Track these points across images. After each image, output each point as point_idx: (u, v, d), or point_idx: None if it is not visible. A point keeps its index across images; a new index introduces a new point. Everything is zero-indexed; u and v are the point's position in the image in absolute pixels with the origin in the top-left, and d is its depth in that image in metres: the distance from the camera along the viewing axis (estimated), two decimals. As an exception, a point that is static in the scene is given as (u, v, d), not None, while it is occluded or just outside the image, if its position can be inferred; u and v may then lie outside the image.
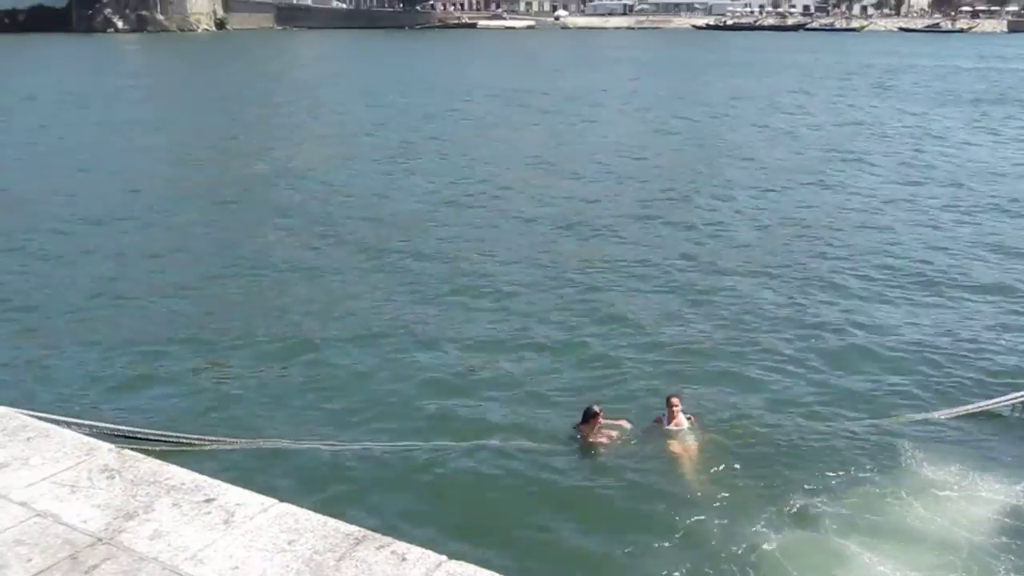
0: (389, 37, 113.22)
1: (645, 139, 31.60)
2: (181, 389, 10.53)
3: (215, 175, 25.23)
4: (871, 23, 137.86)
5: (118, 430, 5.64)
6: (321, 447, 8.70)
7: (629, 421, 9.72)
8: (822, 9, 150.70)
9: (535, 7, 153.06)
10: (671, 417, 9.54)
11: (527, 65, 68.94)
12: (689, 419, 9.63)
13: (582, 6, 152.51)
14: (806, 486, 8.39)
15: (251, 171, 25.82)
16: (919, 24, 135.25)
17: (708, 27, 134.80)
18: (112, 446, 3.94)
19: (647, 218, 19.51)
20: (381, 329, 12.58)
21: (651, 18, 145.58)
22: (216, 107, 43.02)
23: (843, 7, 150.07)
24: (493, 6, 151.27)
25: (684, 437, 9.47)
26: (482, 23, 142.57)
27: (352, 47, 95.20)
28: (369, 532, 3.35)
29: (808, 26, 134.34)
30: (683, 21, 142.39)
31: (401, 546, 3.26)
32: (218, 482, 3.70)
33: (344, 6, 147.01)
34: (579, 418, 9.37)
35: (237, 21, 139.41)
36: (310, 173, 25.26)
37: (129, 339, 12.16)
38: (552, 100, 43.96)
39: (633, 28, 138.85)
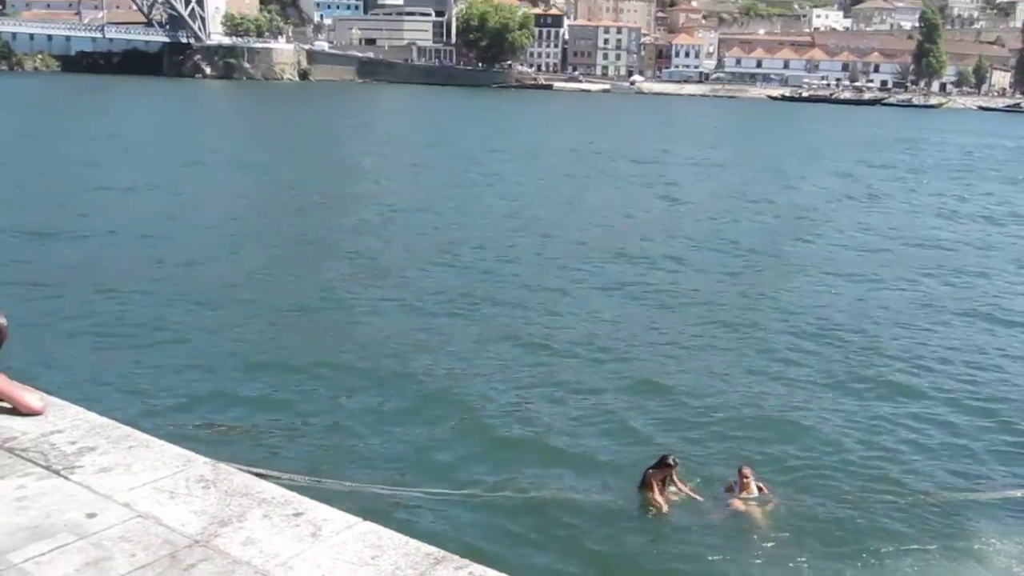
0: (466, 94, 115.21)
1: (717, 203, 31.63)
2: (266, 418, 10.83)
3: (295, 213, 25.91)
4: (950, 100, 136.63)
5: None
6: (384, 490, 8.83)
7: (697, 486, 9.65)
8: (900, 85, 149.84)
9: (611, 71, 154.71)
10: (743, 487, 9.43)
11: (600, 127, 69.55)
12: (760, 489, 9.50)
13: (658, 72, 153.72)
14: (880, 562, 8.23)
15: (332, 213, 26.42)
16: (999, 103, 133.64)
17: (783, 98, 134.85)
18: (207, 459, 4.14)
19: (715, 280, 19.51)
20: (462, 376, 12.76)
21: (726, 87, 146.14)
22: (295, 150, 44.18)
23: (922, 84, 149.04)
24: (570, 69, 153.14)
25: (756, 506, 9.32)
26: (558, 85, 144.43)
27: (430, 102, 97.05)
28: (448, 554, 3.49)
29: (885, 101, 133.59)
30: (758, 91, 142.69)
31: (478, 568, 3.38)
32: (306, 499, 3.86)
33: (423, 62, 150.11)
34: (643, 475, 9.34)
35: (320, 73, 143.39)
36: (394, 217, 25.78)
37: (223, 366, 12.68)
38: (624, 162, 44.28)
39: (708, 96, 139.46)
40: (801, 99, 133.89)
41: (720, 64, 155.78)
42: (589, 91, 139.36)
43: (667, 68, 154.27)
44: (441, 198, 30.26)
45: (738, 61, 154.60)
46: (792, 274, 21.01)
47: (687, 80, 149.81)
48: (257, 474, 4.11)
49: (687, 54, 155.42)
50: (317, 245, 22.12)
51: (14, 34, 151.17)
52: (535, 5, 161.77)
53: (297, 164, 38.42)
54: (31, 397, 4.58)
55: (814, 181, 38.42)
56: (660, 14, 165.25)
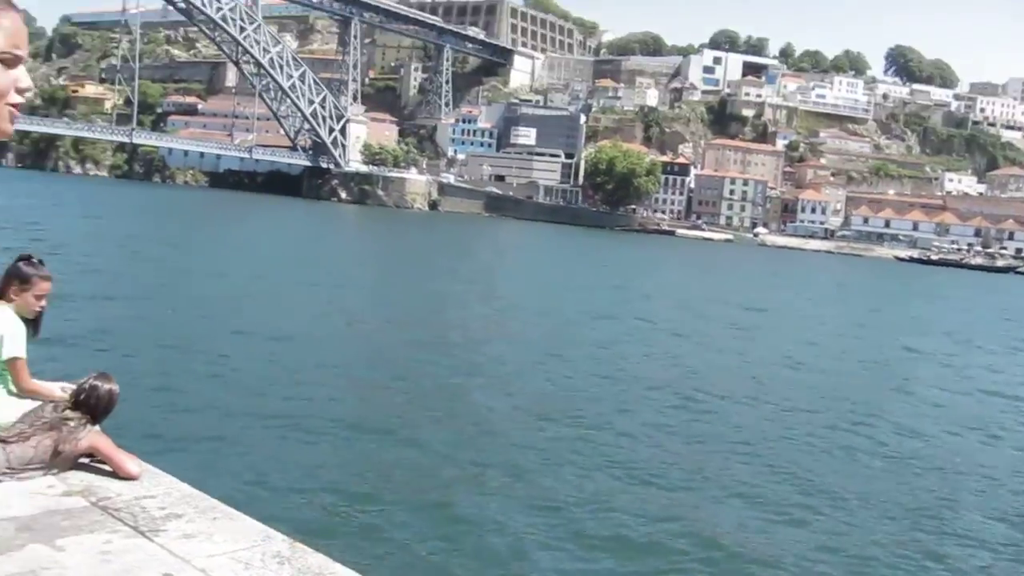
0: (589, 235, 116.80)
1: (834, 361, 30.83)
2: (358, 513, 10.98)
3: (410, 329, 26.44)
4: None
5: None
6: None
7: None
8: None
9: (735, 222, 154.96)
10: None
11: (721, 276, 69.30)
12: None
13: (783, 226, 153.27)
14: None
15: (447, 335, 26.82)
16: None
17: (911, 260, 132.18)
18: (286, 537, 4.20)
19: (817, 436, 18.84)
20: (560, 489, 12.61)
21: (852, 245, 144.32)
22: (420, 275, 45.31)
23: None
24: (694, 216, 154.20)
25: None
26: (681, 231, 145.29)
27: (553, 240, 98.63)
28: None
29: (1019, 269, 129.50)
30: (885, 251, 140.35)
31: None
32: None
33: (549, 201, 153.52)
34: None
35: (449, 204, 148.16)
36: (511, 343, 26.03)
37: (325, 462, 13.07)
38: (743, 311, 43.82)
39: (833, 252, 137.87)
40: (930, 262, 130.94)
41: (847, 222, 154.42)
42: (712, 239, 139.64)
43: (792, 222, 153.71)
44: (561, 333, 30.38)
45: (865, 220, 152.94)
46: (894, 434, 20.15)
47: (812, 235, 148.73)
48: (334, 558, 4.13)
49: (813, 210, 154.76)
50: (429, 350, 22.54)
51: (170, 150, 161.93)
52: (663, 153, 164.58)
53: (421, 288, 39.35)
54: (130, 462, 4.78)
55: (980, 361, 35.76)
56: (788, 169, 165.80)
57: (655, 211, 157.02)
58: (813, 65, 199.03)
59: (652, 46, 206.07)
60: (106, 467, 4.84)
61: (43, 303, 5.29)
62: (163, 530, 4.14)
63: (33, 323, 5.30)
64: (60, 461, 4.69)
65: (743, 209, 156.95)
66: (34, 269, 5.27)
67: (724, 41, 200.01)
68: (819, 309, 50.18)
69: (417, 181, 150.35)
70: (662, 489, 13.90)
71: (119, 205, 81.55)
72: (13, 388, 5.17)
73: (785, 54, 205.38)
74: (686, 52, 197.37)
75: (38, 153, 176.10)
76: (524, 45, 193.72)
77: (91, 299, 25.55)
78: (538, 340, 27.78)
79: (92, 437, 4.79)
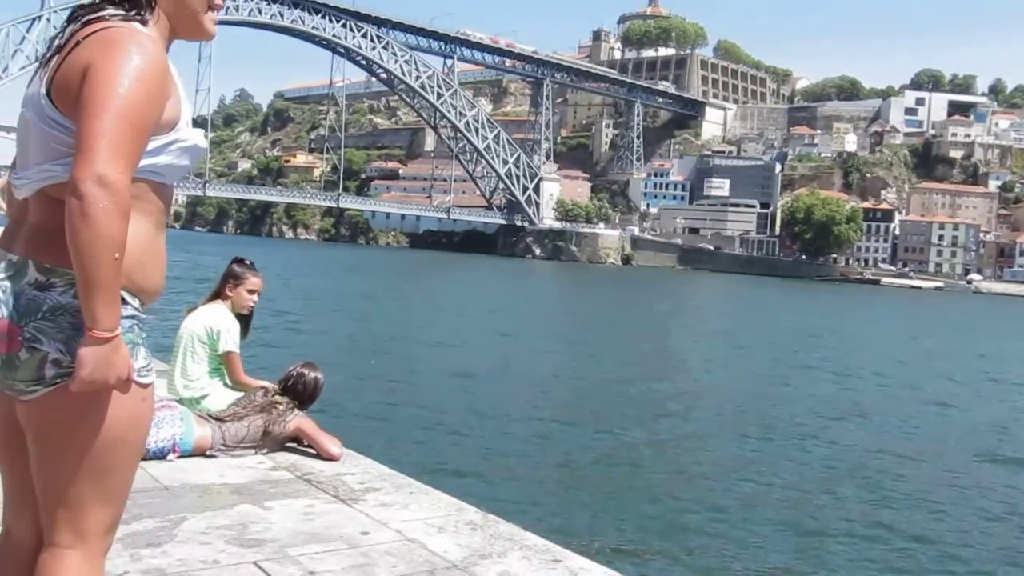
0: (788, 286, 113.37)
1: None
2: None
3: (601, 381, 26.42)
4: None
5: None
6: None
7: None
8: None
9: (945, 268, 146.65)
10: None
11: (934, 326, 65.56)
12: None
13: (999, 272, 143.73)
14: None
15: (641, 384, 26.64)
16: None
17: None
18: (478, 509, 4.27)
19: None
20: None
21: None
22: (614, 328, 45.26)
23: None
24: (900, 264, 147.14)
25: None
26: (886, 280, 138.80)
27: (751, 292, 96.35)
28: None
29: None
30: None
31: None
32: (567, 550, 3.87)
33: (745, 252, 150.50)
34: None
35: (642, 258, 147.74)
36: (707, 393, 25.61)
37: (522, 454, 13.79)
38: (961, 365, 41.23)
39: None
40: None
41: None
42: (920, 288, 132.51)
43: (1009, 267, 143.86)
44: (763, 384, 29.55)
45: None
46: None
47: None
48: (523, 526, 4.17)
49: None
50: (621, 377, 22.42)
51: (373, 213, 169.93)
52: (864, 199, 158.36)
53: (615, 341, 39.31)
54: (333, 445, 5.01)
55: None
56: (1003, 211, 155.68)
57: (857, 260, 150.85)
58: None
59: (849, 90, 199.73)
60: (311, 450, 5.08)
61: (255, 298, 5.65)
62: (362, 500, 4.30)
63: (245, 322, 5.66)
64: (269, 441, 4.97)
65: (953, 255, 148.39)
66: (246, 268, 5.65)
67: (927, 81, 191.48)
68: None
69: (610, 236, 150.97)
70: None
71: (327, 264, 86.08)
72: (228, 381, 5.52)
73: (995, 91, 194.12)
74: (885, 95, 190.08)
75: (254, 220, 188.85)
76: (715, 96, 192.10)
77: (299, 333, 27.25)
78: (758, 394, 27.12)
79: (299, 420, 5.05)
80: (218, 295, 5.58)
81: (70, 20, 2.05)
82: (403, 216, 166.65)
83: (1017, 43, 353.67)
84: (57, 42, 2.04)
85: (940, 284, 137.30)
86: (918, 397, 27.90)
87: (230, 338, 5.41)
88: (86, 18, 2.01)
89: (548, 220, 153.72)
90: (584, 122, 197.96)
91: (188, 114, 2.09)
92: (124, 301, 1.93)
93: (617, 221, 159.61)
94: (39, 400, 1.93)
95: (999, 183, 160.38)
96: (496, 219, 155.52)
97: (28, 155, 2.04)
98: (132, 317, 1.96)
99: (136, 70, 1.90)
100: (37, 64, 2.10)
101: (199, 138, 2.11)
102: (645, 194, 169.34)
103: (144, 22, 2.01)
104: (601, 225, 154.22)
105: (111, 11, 2.00)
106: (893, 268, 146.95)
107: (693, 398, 23.39)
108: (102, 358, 1.85)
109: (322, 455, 4.94)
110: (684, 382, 26.59)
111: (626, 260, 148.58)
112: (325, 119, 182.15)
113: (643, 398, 23.01)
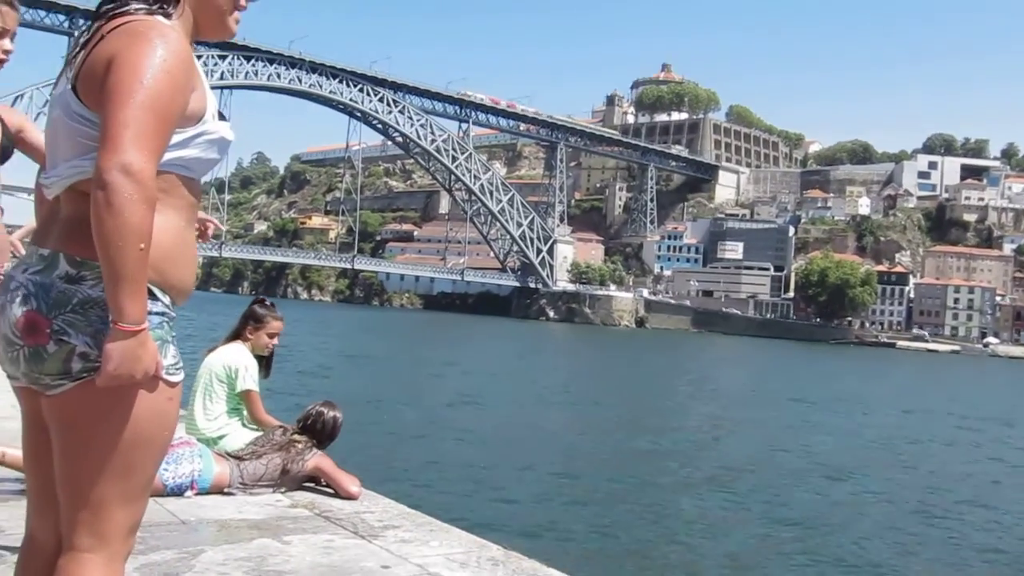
0: (803, 349, 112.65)
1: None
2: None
3: (618, 443, 26.22)
4: None
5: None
6: None
7: None
8: None
9: (960, 332, 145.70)
10: None
11: (953, 389, 64.93)
12: None
13: (1016, 335, 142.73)
14: None
15: (652, 449, 26.43)
16: None
17: None
18: (500, 546, 4.21)
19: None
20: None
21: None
22: (627, 391, 45.01)
23: None
24: (915, 327, 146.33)
25: None
26: (901, 343, 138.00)
27: (765, 356, 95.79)
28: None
29: None
30: None
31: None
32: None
33: (759, 315, 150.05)
34: None
35: (656, 321, 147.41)
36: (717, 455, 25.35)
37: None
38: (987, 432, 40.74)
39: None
40: None
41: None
42: (936, 351, 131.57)
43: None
44: (772, 452, 29.24)
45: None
46: None
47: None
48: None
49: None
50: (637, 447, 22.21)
51: (388, 275, 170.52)
52: (878, 262, 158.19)
53: (627, 398, 39.10)
54: (351, 484, 4.95)
55: None
56: (1018, 274, 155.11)
57: (872, 323, 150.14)
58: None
59: (861, 154, 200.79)
60: (329, 489, 5.03)
61: (275, 341, 5.64)
62: (382, 536, 4.24)
63: (266, 362, 5.64)
64: (288, 480, 4.92)
65: (969, 319, 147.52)
66: (267, 310, 5.64)
67: (939, 145, 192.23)
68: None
69: (623, 298, 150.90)
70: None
71: (342, 324, 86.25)
72: (246, 421, 5.49)
73: (1008, 155, 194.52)
74: (898, 159, 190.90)
75: (270, 281, 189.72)
76: (728, 160, 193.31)
77: (317, 380, 27.32)
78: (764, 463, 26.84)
79: (317, 459, 5.01)
80: (238, 336, 5.57)
81: (95, 17, 2.04)
82: (417, 278, 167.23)
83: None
84: (82, 38, 2.03)
85: (956, 348, 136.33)
86: (923, 457, 27.57)
87: (249, 376, 5.39)
88: (111, 12, 2.00)
89: (562, 283, 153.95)
90: (598, 185, 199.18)
91: (214, 107, 2.08)
92: (154, 296, 1.92)
93: (631, 284, 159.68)
94: (65, 394, 1.91)
95: (1014, 246, 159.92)
96: (510, 281, 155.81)
97: (57, 154, 2.03)
98: (162, 314, 1.94)
99: (160, 60, 1.89)
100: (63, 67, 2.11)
101: (226, 131, 2.10)
102: (659, 257, 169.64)
103: (168, 15, 2.01)
104: (615, 288, 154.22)
105: (136, 5, 2.00)
106: (910, 332, 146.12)
107: (699, 451, 23.69)
108: (128, 352, 1.82)
109: (341, 494, 4.89)
110: (692, 437, 26.86)
111: (640, 323, 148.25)
112: (341, 182, 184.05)
113: (654, 448, 23.38)
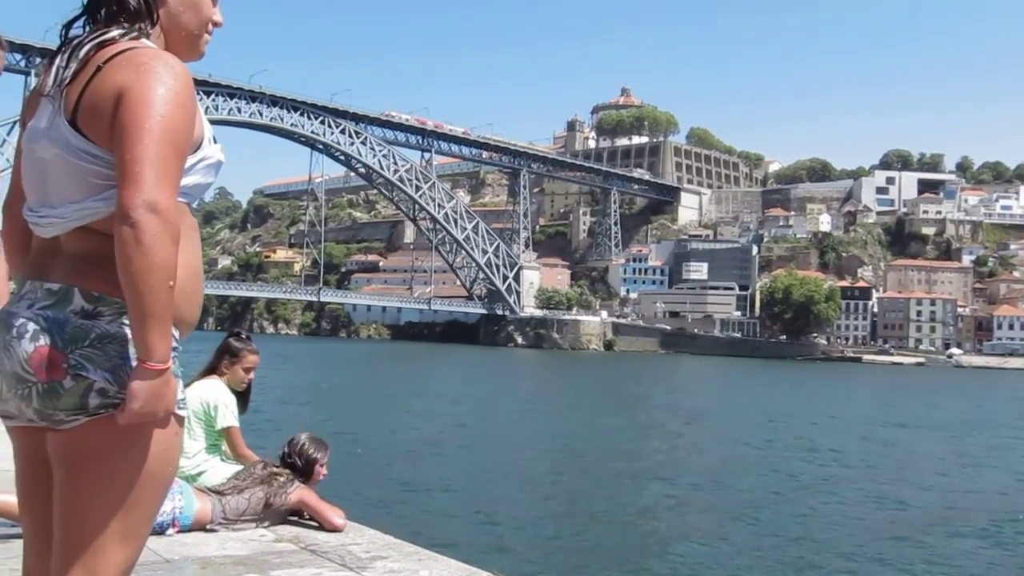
0: (770, 366, 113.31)
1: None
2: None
3: (583, 464, 26.20)
4: None
5: None
6: None
7: None
8: None
9: (925, 344, 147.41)
10: None
11: (912, 400, 65.58)
12: None
13: (978, 345, 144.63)
14: None
15: (622, 467, 26.42)
16: None
17: None
18: (490, 572, 4.19)
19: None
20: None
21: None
22: (596, 413, 45.02)
23: None
24: (880, 341, 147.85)
25: None
26: (867, 358, 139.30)
27: (733, 374, 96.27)
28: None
29: None
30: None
31: None
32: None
33: (725, 335, 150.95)
34: None
35: (624, 344, 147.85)
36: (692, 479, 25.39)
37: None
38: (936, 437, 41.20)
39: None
40: None
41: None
42: (901, 364, 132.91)
43: (988, 340, 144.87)
44: (742, 463, 29.35)
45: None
46: None
47: (1012, 353, 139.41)
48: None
49: (1011, 326, 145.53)
50: (608, 462, 22.21)
51: (355, 306, 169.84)
52: (841, 278, 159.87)
53: (598, 421, 39.08)
54: (335, 516, 4.90)
55: None
56: (978, 285, 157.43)
57: (837, 338, 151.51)
58: (995, 176, 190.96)
59: (820, 172, 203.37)
60: (313, 523, 4.97)
61: (251, 375, 5.58)
62: (370, 567, 4.20)
63: (242, 396, 5.58)
64: (271, 513, 4.86)
65: (932, 330, 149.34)
66: (243, 344, 5.59)
67: (896, 161, 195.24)
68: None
69: (591, 322, 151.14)
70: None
71: (311, 357, 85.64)
72: (225, 456, 5.43)
73: (963, 168, 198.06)
74: (856, 175, 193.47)
75: (235, 316, 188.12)
76: (690, 181, 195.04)
77: (293, 412, 26.89)
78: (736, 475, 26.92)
79: (300, 492, 4.96)
80: (213, 370, 5.51)
81: (70, 44, 1.98)
82: (384, 308, 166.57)
83: (981, 121, 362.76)
84: (66, 67, 1.96)
85: (921, 360, 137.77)
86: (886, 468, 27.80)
87: (229, 413, 5.33)
88: (97, 40, 1.95)
89: (529, 308, 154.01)
90: (562, 210, 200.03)
91: (210, 130, 2.07)
92: None
93: (598, 307, 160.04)
94: (78, 430, 1.87)
95: (972, 258, 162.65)
96: (477, 309, 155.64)
97: (49, 192, 1.96)
98: (174, 348, 1.91)
99: (173, 93, 1.87)
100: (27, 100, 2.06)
101: (220, 153, 2.09)
102: (624, 280, 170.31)
103: (148, 36, 1.99)
104: (582, 312, 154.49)
105: (116, 30, 1.96)
106: (875, 346, 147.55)
107: (672, 471, 23.73)
108: (155, 391, 1.80)
109: (325, 526, 4.84)
110: (664, 458, 26.89)
111: (608, 346, 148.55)
112: (305, 214, 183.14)
113: (629, 469, 23.53)
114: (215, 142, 2.11)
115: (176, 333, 1.93)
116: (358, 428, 29.47)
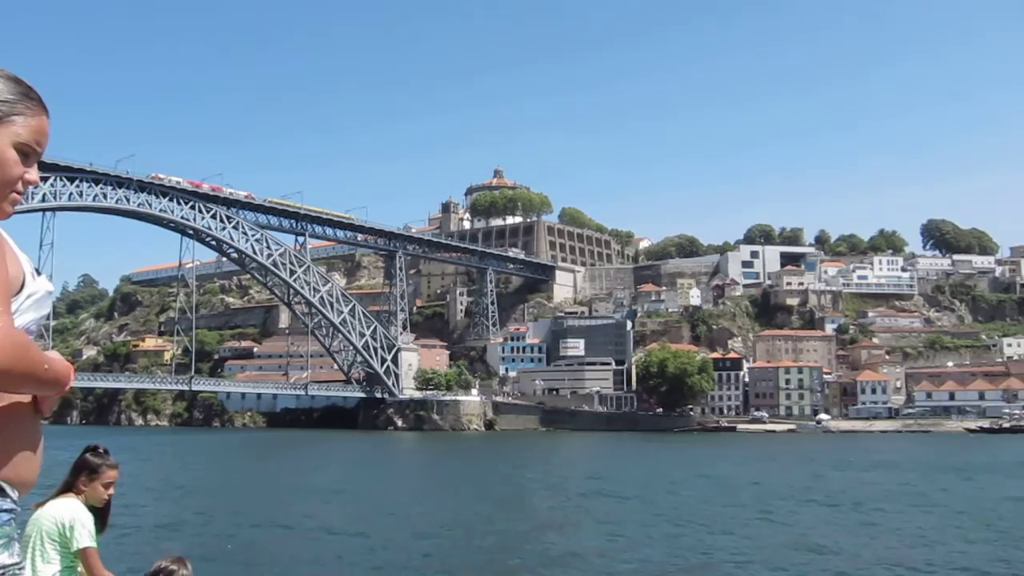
0: (649, 439, 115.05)
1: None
2: None
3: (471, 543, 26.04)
4: None
5: None
6: None
7: None
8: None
9: (795, 411, 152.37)
10: None
11: (790, 466, 67.59)
12: None
13: (844, 410, 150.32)
14: None
15: (506, 550, 26.39)
16: None
17: (982, 430, 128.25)
18: None
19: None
20: None
21: (919, 422, 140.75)
22: (477, 496, 44.84)
23: None
24: (753, 410, 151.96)
25: None
26: (742, 426, 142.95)
27: (611, 449, 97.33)
28: None
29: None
30: (955, 424, 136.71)
31: None
32: None
33: (604, 409, 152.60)
34: None
35: (505, 422, 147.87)
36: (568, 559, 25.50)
37: None
38: (805, 497, 42.58)
39: (901, 431, 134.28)
40: (1003, 430, 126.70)
41: (910, 399, 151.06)
42: (774, 431, 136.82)
43: (854, 405, 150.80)
44: (632, 538, 29.69)
45: (929, 395, 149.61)
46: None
47: (876, 416, 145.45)
48: None
49: (873, 390, 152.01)
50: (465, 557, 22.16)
51: (228, 394, 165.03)
52: (713, 350, 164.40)
53: (477, 502, 38.92)
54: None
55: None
56: (841, 352, 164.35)
57: (712, 408, 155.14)
58: (850, 248, 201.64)
59: (688, 248, 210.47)
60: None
61: (111, 491, 5.47)
62: None
63: (101, 514, 5.44)
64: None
65: (801, 397, 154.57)
66: (101, 459, 5.47)
67: (759, 235, 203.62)
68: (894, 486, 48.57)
69: (471, 402, 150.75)
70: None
71: (178, 452, 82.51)
72: (83, 579, 5.27)
73: (821, 240, 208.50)
74: (723, 250, 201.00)
75: (101, 408, 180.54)
76: (564, 260, 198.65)
77: (158, 524, 25.88)
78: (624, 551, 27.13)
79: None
80: (70, 488, 5.36)
81: None
82: (259, 395, 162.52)
83: (838, 195, 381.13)
84: None
85: (792, 426, 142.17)
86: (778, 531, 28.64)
87: (85, 533, 5.16)
88: None
89: (408, 391, 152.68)
90: (439, 291, 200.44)
91: (30, 264, 2.05)
92: (3, 493, 1.80)
93: (477, 387, 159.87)
94: None
95: (835, 326, 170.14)
96: (356, 393, 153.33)
97: None
98: (10, 510, 1.82)
99: None
100: None
101: (47, 284, 2.07)
102: (503, 358, 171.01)
103: None
104: (462, 392, 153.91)
105: None
106: (748, 415, 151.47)
107: (549, 543, 23.61)
108: None
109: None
110: (542, 528, 26.78)
111: (489, 425, 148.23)
112: (175, 301, 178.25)
113: (504, 544, 23.11)
114: (39, 274, 2.09)
115: (15, 494, 1.86)
116: (232, 527, 28.60)
